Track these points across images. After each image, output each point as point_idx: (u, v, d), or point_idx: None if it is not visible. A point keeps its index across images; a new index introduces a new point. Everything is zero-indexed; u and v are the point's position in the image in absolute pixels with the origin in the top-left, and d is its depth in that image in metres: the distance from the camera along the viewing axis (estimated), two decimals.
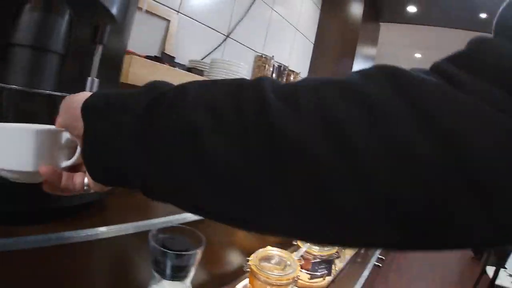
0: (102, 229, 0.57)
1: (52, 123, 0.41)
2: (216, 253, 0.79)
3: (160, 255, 0.48)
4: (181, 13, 1.57)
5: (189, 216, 0.69)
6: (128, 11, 0.63)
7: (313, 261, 0.92)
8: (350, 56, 2.74)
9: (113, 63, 0.66)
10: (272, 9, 2.18)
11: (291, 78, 1.83)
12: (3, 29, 0.52)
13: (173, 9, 1.53)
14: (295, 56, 2.61)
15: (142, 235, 0.58)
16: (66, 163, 0.39)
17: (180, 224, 0.64)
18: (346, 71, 2.69)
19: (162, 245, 0.49)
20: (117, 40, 0.63)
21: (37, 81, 0.54)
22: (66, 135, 0.39)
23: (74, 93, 0.44)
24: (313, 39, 2.90)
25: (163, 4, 1.48)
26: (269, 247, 0.84)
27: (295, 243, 0.96)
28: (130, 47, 1.28)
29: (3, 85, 0.52)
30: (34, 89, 0.54)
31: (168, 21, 1.49)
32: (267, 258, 0.81)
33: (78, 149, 0.38)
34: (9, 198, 0.51)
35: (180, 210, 0.68)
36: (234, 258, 0.86)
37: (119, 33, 0.62)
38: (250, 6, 1.95)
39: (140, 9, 0.86)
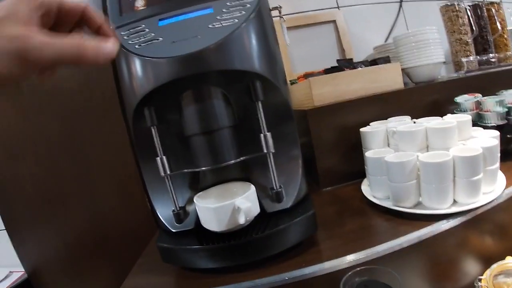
0: (317, 267, 0.60)
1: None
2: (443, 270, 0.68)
3: None
4: (342, 6, 1.49)
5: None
6: (274, 62, 0.64)
7: None
8: None
9: (283, 114, 0.68)
10: None
11: (493, 12, 1.38)
12: (177, 127, 0.63)
13: (333, 8, 1.47)
14: None
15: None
16: (241, 221, 0.58)
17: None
18: None
19: None
20: (277, 92, 0.65)
21: (220, 156, 0.62)
22: (236, 204, 0.58)
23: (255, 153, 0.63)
24: None
25: (327, 8, 1.44)
26: (509, 258, 0.65)
27: None
28: (309, 69, 1.31)
29: (196, 169, 0.63)
30: (220, 163, 0.62)
31: (334, 21, 1.44)
32: (507, 274, 0.62)
33: (243, 212, 0.58)
34: (235, 256, 0.62)
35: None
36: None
37: (274, 84, 0.63)
38: None
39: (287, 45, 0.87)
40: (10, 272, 1.40)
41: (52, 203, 1.25)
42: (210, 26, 0.59)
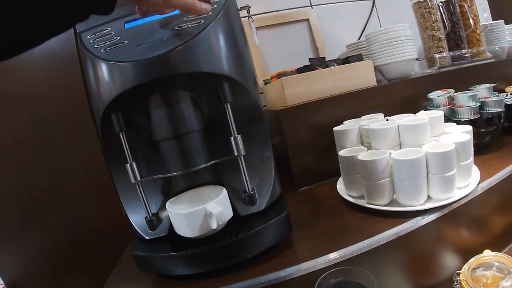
0: (293, 269, 0.60)
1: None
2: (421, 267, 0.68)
3: None
4: (315, 5, 1.49)
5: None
6: (243, 63, 0.63)
7: None
8: None
9: (253, 115, 0.67)
10: None
11: (465, 8, 1.40)
12: (146, 131, 0.61)
13: (306, 6, 1.47)
14: None
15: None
16: (213, 226, 0.57)
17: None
18: None
19: None
20: (246, 94, 0.64)
21: (190, 160, 0.61)
22: (207, 209, 0.57)
23: (226, 156, 0.61)
24: None
25: (300, 7, 1.44)
26: (487, 251, 0.65)
27: None
28: (282, 68, 1.31)
29: (167, 175, 0.62)
30: (190, 168, 0.61)
31: (307, 20, 1.44)
32: (486, 267, 0.63)
33: (215, 217, 0.57)
34: (209, 261, 0.61)
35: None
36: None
37: (243, 85, 0.62)
38: None
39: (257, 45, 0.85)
40: None
41: (26, 212, 1.22)
42: (176, 27, 0.58)
